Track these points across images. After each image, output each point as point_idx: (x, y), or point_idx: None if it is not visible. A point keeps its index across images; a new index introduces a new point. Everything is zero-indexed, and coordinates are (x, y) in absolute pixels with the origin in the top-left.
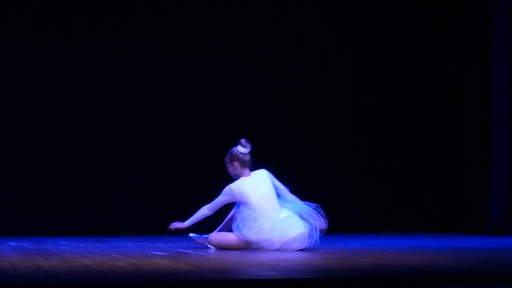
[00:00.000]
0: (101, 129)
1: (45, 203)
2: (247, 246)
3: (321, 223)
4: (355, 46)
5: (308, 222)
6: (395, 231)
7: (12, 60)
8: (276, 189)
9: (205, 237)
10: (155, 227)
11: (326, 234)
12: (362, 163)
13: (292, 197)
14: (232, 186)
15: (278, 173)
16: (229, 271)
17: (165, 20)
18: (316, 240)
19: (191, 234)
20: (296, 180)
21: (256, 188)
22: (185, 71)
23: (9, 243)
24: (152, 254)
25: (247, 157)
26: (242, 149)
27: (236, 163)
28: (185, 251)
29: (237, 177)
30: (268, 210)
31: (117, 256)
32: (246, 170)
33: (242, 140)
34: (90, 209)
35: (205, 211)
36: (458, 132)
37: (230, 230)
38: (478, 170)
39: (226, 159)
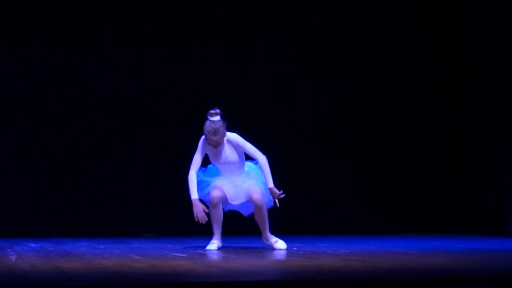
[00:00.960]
0: (117, 129)
1: (66, 204)
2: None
3: None
4: (355, 46)
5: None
6: (404, 232)
7: (12, 61)
8: None
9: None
10: (174, 228)
11: (340, 235)
12: (363, 164)
13: None
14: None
15: (280, 174)
16: (249, 273)
17: (165, 20)
18: None
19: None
20: (297, 181)
21: None
22: (186, 71)
23: (30, 244)
24: (172, 256)
25: None
26: (216, 117)
27: (224, 129)
28: (205, 252)
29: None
30: None
31: (137, 257)
32: None
33: (210, 111)
34: (110, 210)
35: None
36: (470, 132)
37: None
38: (496, 171)
39: (220, 134)
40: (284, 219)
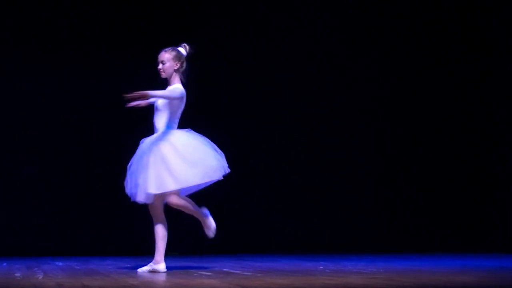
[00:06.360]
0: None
1: (92, 223)
2: None
3: None
4: (376, 65)
5: None
6: (431, 251)
7: (42, 88)
8: None
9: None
10: (199, 246)
11: (366, 253)
12: (388, 182)
13: None
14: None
15: (301, 190)
16: None
17: (164, 22)
18: None
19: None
20: (320, 199)
21: None
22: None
23: (57, 263)
24: (198, 274)
25: None
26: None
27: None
28: (231, 271)
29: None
30: None
31: (163, 276)
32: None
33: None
34: (135, 229)
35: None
36: (493, 148)
37: None
38: None
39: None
40: (309, 238)
